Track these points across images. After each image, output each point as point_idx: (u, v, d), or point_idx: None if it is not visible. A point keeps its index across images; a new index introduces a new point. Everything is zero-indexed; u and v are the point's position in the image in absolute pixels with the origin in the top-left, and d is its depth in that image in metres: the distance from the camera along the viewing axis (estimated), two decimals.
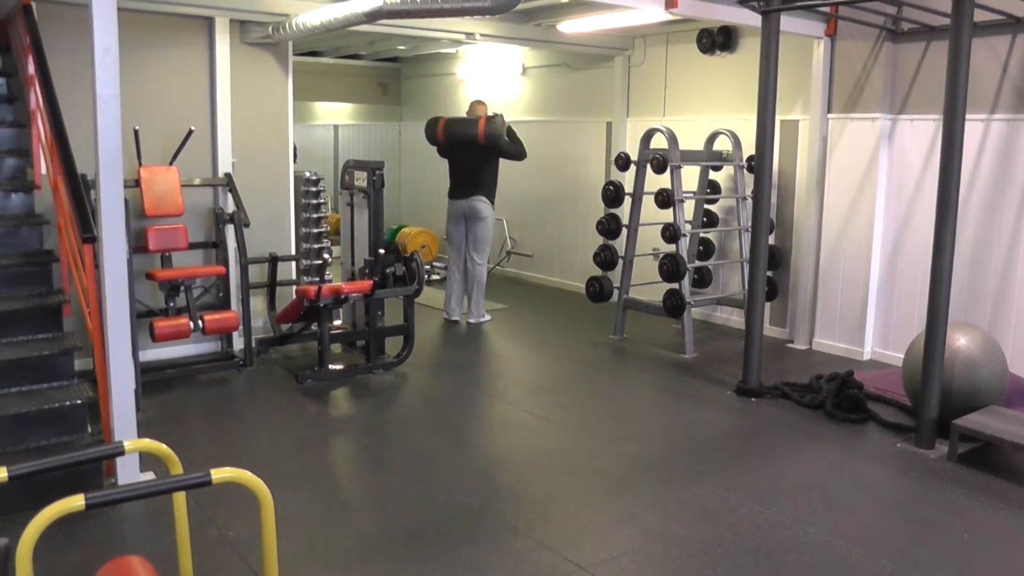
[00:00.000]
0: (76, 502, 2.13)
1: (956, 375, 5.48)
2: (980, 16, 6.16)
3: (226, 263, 6.90)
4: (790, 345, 7.93)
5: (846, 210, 7.51)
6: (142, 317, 6.35)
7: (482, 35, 8.19)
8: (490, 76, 11.46)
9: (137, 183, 6.40)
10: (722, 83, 8.58)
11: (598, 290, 8.05)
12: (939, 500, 4.66)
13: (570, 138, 10.40)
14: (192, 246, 6.80)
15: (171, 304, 6.54)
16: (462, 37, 8.19)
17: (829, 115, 7.58)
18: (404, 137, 13.44)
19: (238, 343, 6.98)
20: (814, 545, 4.06)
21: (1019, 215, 6.51)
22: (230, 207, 6.93)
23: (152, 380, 6.26)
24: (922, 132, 7.06)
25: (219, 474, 2.30)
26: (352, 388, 6.51)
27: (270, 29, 6.89)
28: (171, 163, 6.62)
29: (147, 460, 4.57)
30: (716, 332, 8.47)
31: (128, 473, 4.46)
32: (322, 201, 7.65)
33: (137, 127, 6.33)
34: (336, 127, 14.37)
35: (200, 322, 6.37)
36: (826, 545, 4.06)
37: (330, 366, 6.62)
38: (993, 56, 6.56)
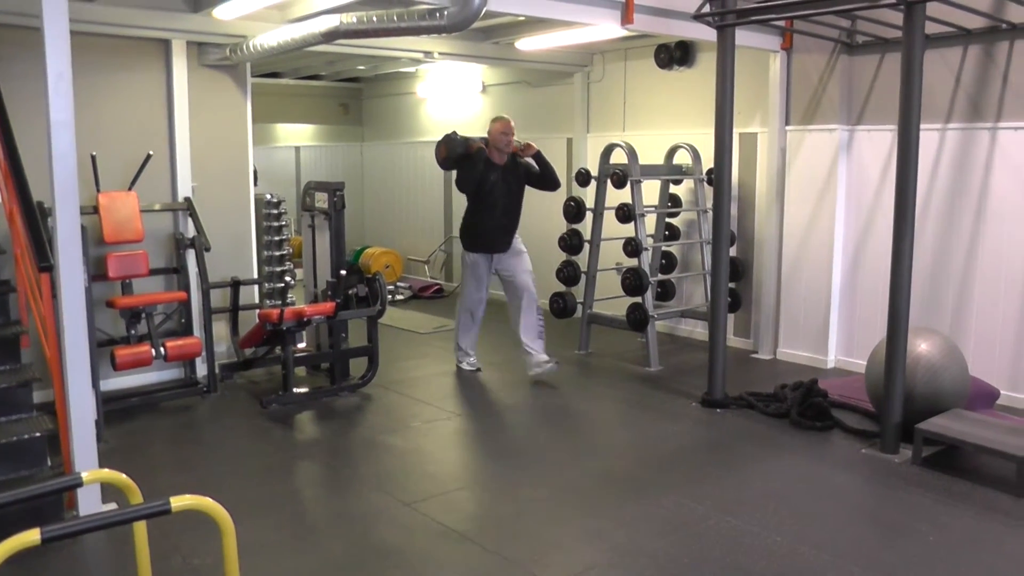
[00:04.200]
0: (31, 536, 2.10)
1: (918, 380, 5.55)
2: (932, 28, 6.27)
3: (188, 288, 6.83)
4: (755, 355, 7.99)
5: (807, 221, 7.58)
6: (103, 346, 6.28)
7: (440, 54, 8.23)
8: (450, 94, 11.49)
9: (96, 209, 6.33)
10: (681, 98, 8.65)
11: (562, 306, 8.07)
12: (905, 504, 4.71)
13: None
14: (153, 272, 6.73)
15: (132, 332, 6.47)
16: (421, 56, 8.23)
17: (787, 127, 7.67)
18: (366, 157, 13.42)
19: (201, 369, 6.90)
20: (781, 553, 4.08)
21: (976, 221, 6.61)
22: (191, 232, 6.87)
23: (114, 410, 6.17)
24: (879, 142, 7.15)
25: (178, 502, 2.28)
26: (317, 411, 6.46)
27: (227, 51, 6.87)
28: (130, 188, 6.56)
29: (111, 492, 4.50)
30: (681, 344, 8.51)
31: (89, 505, 4.38)
32: (284, 223, 7.62)
33: (94, 152, 6.28)
34: (298, 149, 14.32)
35: (162, 349, 6.29)
36: (793, 552, 4.08)
37: (295, 390, 6.56)
38: (946, 67, 6.67)
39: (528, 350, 7.18)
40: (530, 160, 7.27)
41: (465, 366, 7.57)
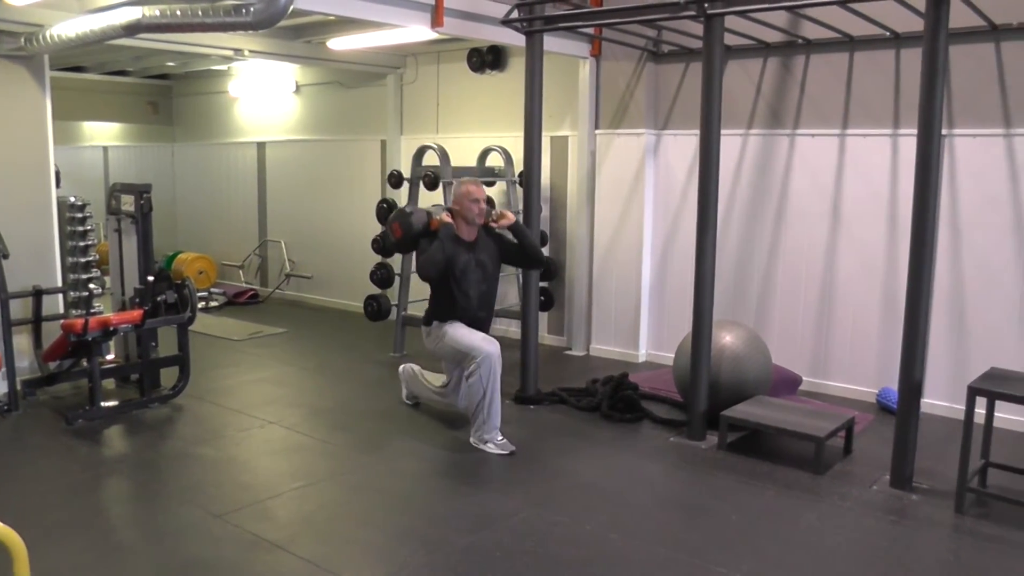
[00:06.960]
0: None
1: (724, 370, 5.86)
2: (734, 40, 6.65)
3: None
4: (568, 352, 8.22)
5: (616, 221, 7.86)
6: None
7: (251, 51, 8.07)
8: (264, 94, 11.27)
9: None
10: (493, 101, 8.79)
11: (376, 309, 8.08)
12: (710, 487, 4.98)
13: (344, 157, 10.35)
14: None
15: None
16: (231, 53, 8.03)
17: (597, 131, 7.92)
18: (178, 158, 12.94)
19: (1, 386, 6.50)
20: (590, 541, 4.23)
21: (777, 220, 7.04)
22: None
23: None
24: (685, 146, 7.49)
25: None
26: (126, 424, 6.20)
27: (22, 40, 6.48)
28: None
29: None
30: None
31: None
32: (90, 228, 7.27)
33: None
34: (105, 149, 13.73)
35: None
36: (603, 539, 4.24)
37: (102, 403, 6.26)
38: (748, 77, 7.06)
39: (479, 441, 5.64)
40: (505, 231, 5.86)
41: (407, 400, 6.62)
